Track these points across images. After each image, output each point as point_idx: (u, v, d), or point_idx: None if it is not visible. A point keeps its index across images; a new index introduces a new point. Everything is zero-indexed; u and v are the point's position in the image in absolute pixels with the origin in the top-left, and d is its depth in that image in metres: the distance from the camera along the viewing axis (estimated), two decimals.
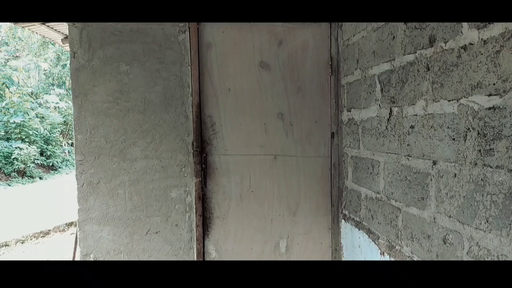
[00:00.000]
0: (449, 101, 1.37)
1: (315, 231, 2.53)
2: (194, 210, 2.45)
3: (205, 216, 2.48)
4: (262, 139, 2.48)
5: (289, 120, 2.47)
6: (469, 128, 1.28)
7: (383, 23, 1.82)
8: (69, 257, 3.71)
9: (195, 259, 2.48)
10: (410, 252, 1.68)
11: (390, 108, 1.78)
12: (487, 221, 1.22)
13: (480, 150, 1.24)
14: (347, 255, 2.38)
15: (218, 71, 2.42)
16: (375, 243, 1.98)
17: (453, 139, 1.36)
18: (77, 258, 2.51)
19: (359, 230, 2.18)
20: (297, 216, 2.52)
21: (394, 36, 1.71)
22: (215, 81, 2.42)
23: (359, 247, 2.19)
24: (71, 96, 2.29)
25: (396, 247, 1.80)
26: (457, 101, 1.33)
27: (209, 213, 2.49)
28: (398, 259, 1.76)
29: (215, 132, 2.44)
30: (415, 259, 1.65)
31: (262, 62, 2.43)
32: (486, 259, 1.23)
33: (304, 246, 2.53)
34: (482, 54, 1.20)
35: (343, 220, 2.43)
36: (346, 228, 2.38)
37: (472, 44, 1.25)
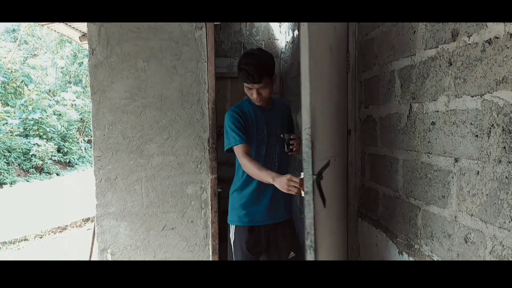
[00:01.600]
0: (472, 96, 1.34)
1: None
2: (210, 207, 2.46)
3: None
4: None
5: None
6: (493, 125, 1.25)
7: None
8: (86, 252, 3.76)
9: (211, 256, 2.48)
10: (430, 251, 1.65)
11: (410, 104, 1.74)
12: None
13: (504, 147, 1.20)
14: (364, 254, 2.35)
15: None
16: (393, 241, 1.96)
17: (476, 135, 1.33)
18: (95, 253, 2.54)
19: (376, 228, 2.16)
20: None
21: (415, 31, 1.68)
22: None
23: (376, 245, 2.16)
24: (90, 93, 2.32)
25: (415, 246, 1.77)
26: (481, 96, 1.30)
27: None
28: (417, 259, 1.73)
29: None
30: (435, 258, 1.62)
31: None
32: (510, 259, 1.20)
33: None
34: (508, 48, 1.17)
35: (359, 219, 2.41)
36: (362, 226, 2.35)
37: (497, 37, 1.21)
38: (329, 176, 1.89)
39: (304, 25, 1.70)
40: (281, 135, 2.07)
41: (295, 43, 4.34)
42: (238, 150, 1.98)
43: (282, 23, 5.08)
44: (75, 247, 4.90)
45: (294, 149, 2.03)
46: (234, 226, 2.10)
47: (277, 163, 2.11)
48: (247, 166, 1.93)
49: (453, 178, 1.47)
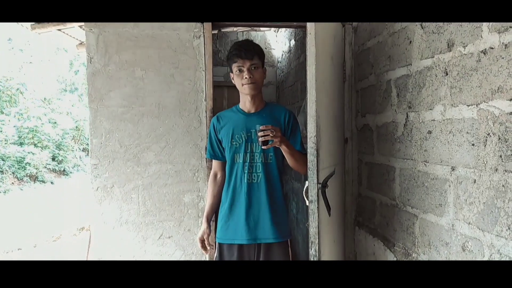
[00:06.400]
0: (468, 106, 1.36)
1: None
2: None
3: None
4: None
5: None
6: (489, 133, 1.27)
7: (399, 27, 1.81)
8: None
9: None
10: (427, 259, 1.65)
11: (407, 113, 1.76)
12: (509, 228, 1.20)
13: (501, 156, 1.22)
14: None
15: None
16: (391, 250, 1.96)
17: (473, 144, 1.34)
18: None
19: (373, 237, 2.16)
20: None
21: (411, 41, 1.70)
22: None
23: (373, 254, 2.16)
24: (87, 101, 2.31)
25: (413, 255, 1.77)
26: (477, 106, 1.31)
27: None
28: None
29: None
30: None
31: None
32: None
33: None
34: (503, 58, 1.19)
35: (357, 227, 2.41)
36: (360, 235, 2.35)
37: (492, 48, 1.23)
38: (331, 185, 1.91)
39: (311, 34, 1.73)
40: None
41: (292, 52, 4.37)
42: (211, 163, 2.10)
43: (278, 33, 5.12)
44: (70, 256, 4.85)
45: (268, 141, 1.70)
46: (218, 243, 1.95)
47: (261, 173, 1.86)
48: (208, 185, 2.09)
49: (450, 186, 1.48)
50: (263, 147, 1.73)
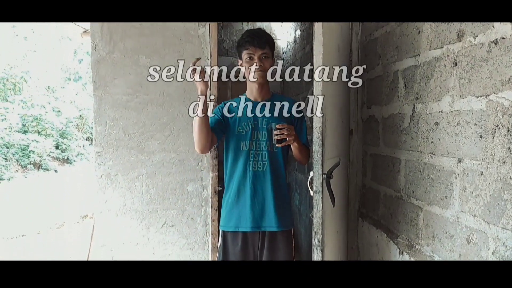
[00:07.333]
0: (477, 97, 1.34)
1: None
2: (210, 205, 2.45)
3: None
4: None
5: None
6: (498, 125, 1.25)
7: None
8: (85, 248, 3.74)
9: (210, 254, 2.48)
10: (431, 251, 1.65)
11: (414, 105, 1.74)
12: None
13: (509, 148, 1.20)
14: (363, 254, 2.35)
15: None
16: (394, 242, 1.95)
17: (481, 136, 1.33)
18: (93, 249, 2.53)
19: (376, 228, 2.16)
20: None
21: (419, 31, 1.68)
22: None
23: (376, 245, 2.16)
24: (92, 88, 2.30)
25: (416, 247, 1.77)
26: (486, 97, 1.30)
27: None
28: (417, 259, 1.73)
29: None
30: (436, 258, 1.61)
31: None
32: None
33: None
34: None
35: (360, 219, 2.40)
36: (363, 226, 2.35)
37: (504, 38, 1.21)
38: (335, 176, 1.90)
39: (319, 23, 1.71)
40: (269, 127, 1.82)
41: (297, 42, 4.33)
42: None
43: (283, 22, 5.07)
44: (74, 244, 4.88)
45: (283, 140, 1.73)
46: (221, 231, 1.93)
47: (266, 161, 1.86)
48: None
49: (456, 178, 1.47)
50: (277, 145, 1.78)
